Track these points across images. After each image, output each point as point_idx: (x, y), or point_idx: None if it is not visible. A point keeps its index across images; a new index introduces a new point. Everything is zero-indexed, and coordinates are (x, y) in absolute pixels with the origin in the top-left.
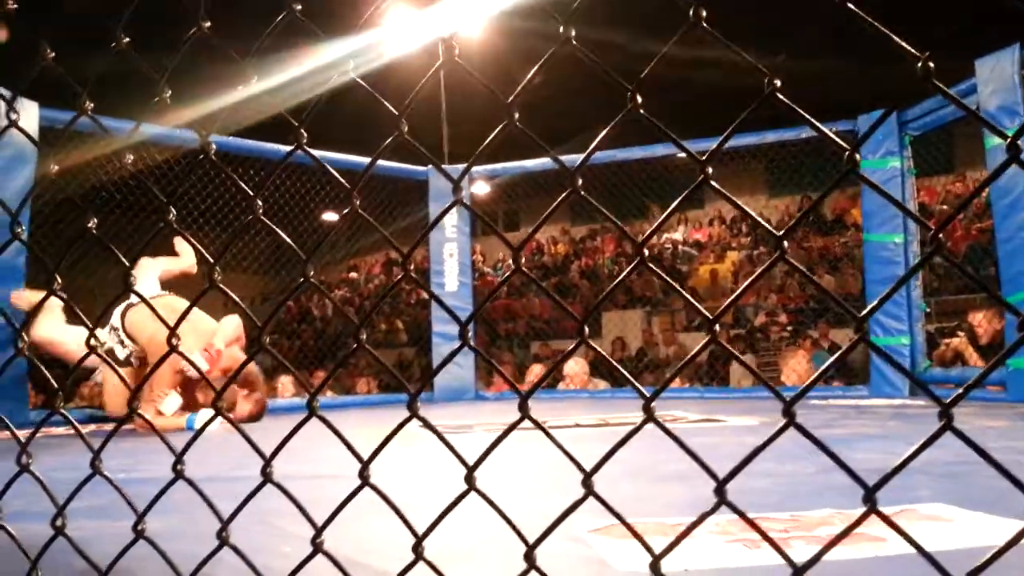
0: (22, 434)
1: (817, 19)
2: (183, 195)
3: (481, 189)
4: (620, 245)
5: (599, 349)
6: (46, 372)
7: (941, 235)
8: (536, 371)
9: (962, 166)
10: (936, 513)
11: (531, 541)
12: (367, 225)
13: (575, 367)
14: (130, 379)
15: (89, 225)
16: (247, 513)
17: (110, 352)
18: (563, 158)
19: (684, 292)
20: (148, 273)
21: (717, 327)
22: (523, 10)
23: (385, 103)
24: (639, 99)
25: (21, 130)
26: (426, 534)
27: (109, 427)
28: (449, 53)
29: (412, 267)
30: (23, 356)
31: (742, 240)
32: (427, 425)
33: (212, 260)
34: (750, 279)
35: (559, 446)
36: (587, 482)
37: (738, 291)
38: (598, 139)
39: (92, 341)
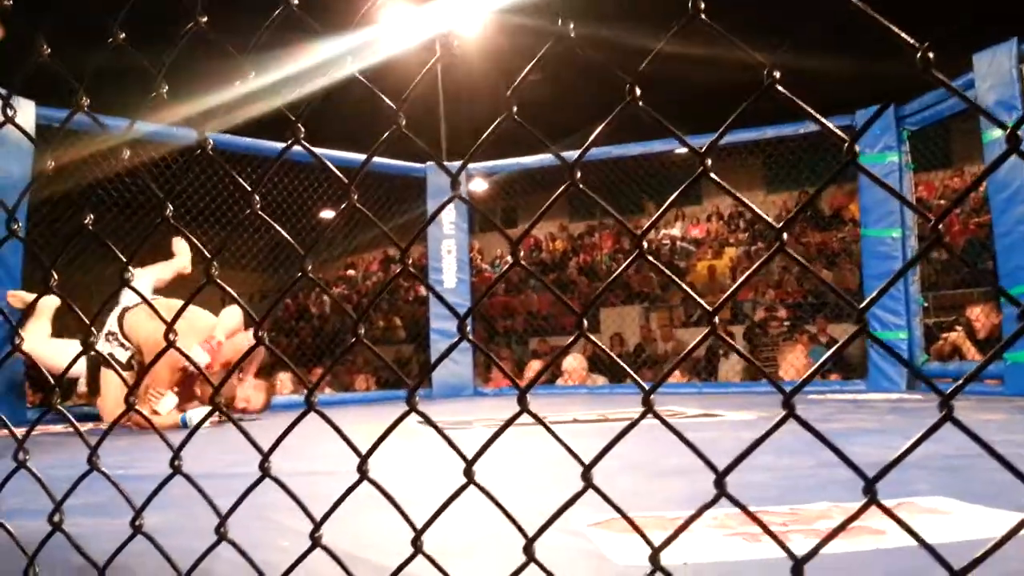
0: (19, 431)
1: (815, 15)
2: (180, 193)
3: (479, 186)
4: (618, 241)
5: (597, 342)
6: (44, 370)
7: (940, 226)
8: (535, 367)
9: (960, 161)
10: (935, 506)
11: (530, 535)
12: (365, 222)
13: (574, 363)
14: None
15: (85, 221)
16: (245, 508)
17: (111, 357)
18: (561, 153)
19: (683, 284)
20: (139, 283)
21: (716, 319)
22: (522, 7)
23: (383, 97)
24: (638, 91)
25: (17, 126)
26: (425, 528)
27: (105, 426)
28: (446, 47)
29: (410, 262)
30: (20, 353)
31: (740, 236)
32: (426, 419)
33: (209, 256)
34: (750, 269)
35: (558, 439)
36: (587, 475)
37: (739, 282)
38: (597, 131)
39: (90, 339)
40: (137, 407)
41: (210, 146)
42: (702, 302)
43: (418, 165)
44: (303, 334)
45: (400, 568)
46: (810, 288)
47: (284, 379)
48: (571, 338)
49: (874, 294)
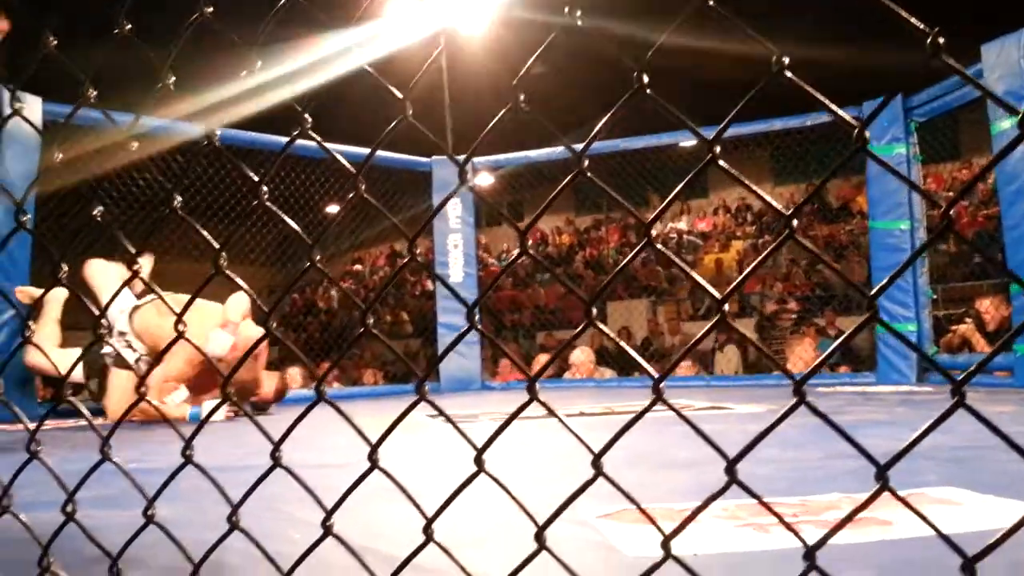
0: (31, 425)
1: (822, 4)
2: (188, 187)
3: (485, 180)
4: (625, 235)
5: (606, 330)
6: (52, 363)
7: (952, 212)
8: (542, 361)
9: (968, 152)
10: (946, 496)
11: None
12: (371, 216)
13: (581, 356)
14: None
15: (94, 212)
16: (256, 500)
17: (118, 357)
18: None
19: (691, 272)
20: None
21: (726, 307)
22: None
23: (389, 86)
24: (645, 79)
25: (25, 118)
26: (436, 515)
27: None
28: (450, 38)
29: (418, 252)
30: (31, 344)
31: (747, 229)
32: (435, 407)
33: (218, 248)
34: (762, 255)
35: (568, 427)
36: (596, 463)
37: (750, 267)
38: (605, 118)
39: (100, 331)
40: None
41: (217, 138)
42: (711, 289)
43: (423, 159)
44: (311, 329)
45: (412, 556)
46: (818, 281)
47: (293, 374)
48: (578, 332)
49: (884, 281)
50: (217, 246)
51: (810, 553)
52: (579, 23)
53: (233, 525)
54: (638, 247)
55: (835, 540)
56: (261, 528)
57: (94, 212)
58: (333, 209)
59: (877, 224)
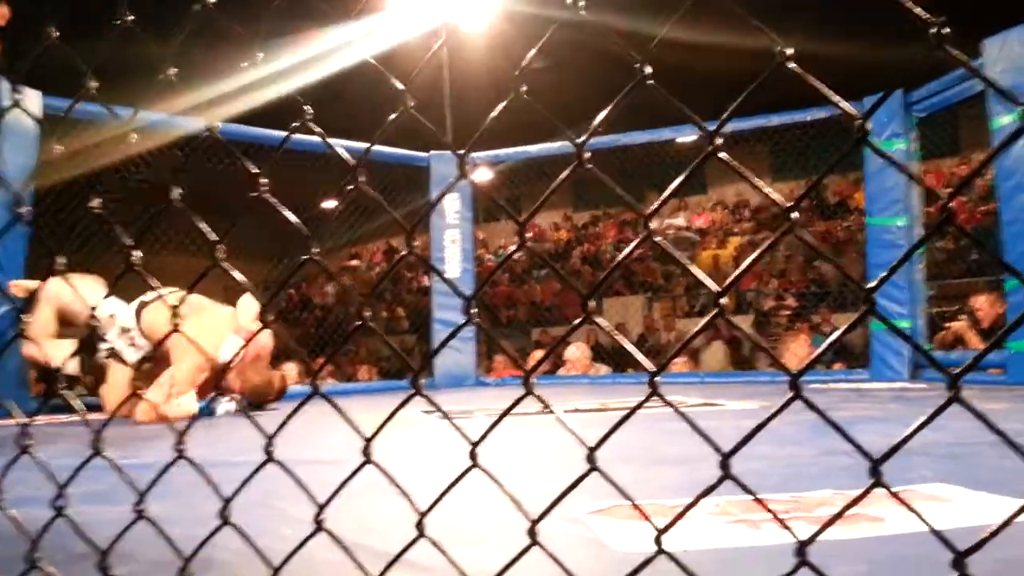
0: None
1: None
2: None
3: (483, 176)
4: (622, 231)
5: (603, 323)
6: (45, 356)
7: (952, 204)
8: (538, 357)
9: (967, 148)
10: (937, 493)
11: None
12: (368, 211)
13: (576, 352)
14: (142, 383)
15: (92, 204)
16: (248, 496)
17: (115, 354)
18: (564, 144)
19: (688, 265)
20: (113, 308)
21: (724, 300)
22: None
23: (391, 77)
24: (648, 70)
25: (25, 110)
26: (429, 510)
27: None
28: (451, 33)
29: (415, 245)
30: (24, 338)
31: (744, 226)
32: (430, 401)
33: (216, 240)
34: (760, 248)
35: (562, 422)
36: (591, 457)
37: (748, 260)
38: (607, 109)
39: (91, 320)
40: (149, 399)
41: (217, 131)
42: (709, 281)
43: (422, 155)
44: (307, 324)
45: (403, 551)
46: (814, 277)
47: (289, 369)
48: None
49: (884, 274)
50: (215, 238)
51: (801, 549)
52: (582, 13)
53: (224, 520)
54: (638, 239)
55: (827, 536)
56: (253, 524)
57: (92, 204)
58: (330, 205)
59: (874, 220)
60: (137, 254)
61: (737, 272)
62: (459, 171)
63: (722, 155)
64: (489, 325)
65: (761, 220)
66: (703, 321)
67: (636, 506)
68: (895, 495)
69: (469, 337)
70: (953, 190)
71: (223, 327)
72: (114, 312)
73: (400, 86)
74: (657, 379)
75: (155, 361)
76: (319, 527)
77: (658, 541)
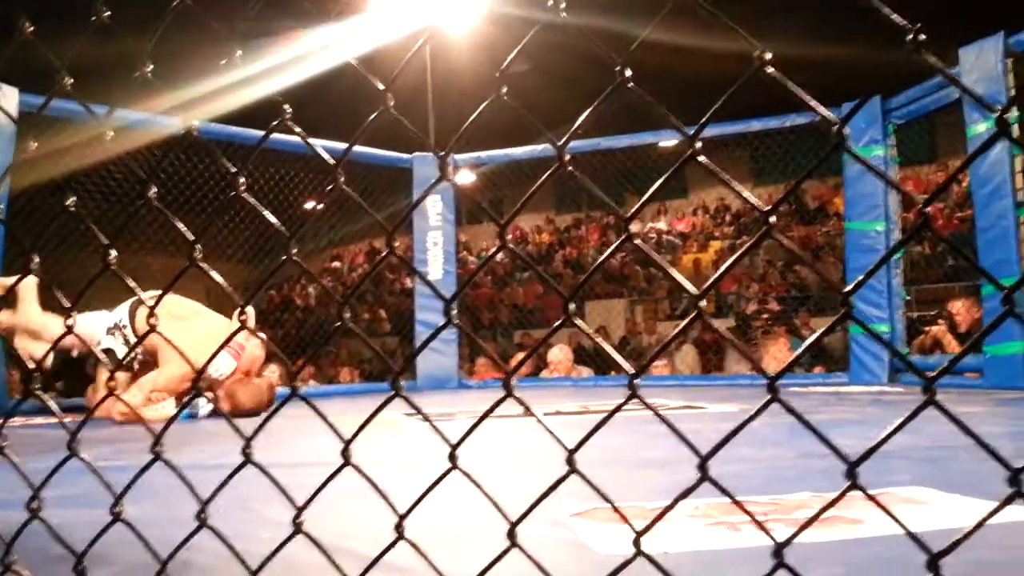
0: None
1: (803, 6)
2: (165, 182)
3: (465, 178)
4: (604, 234)
5: (583, 326)
6: (23, 354)
7: (928, 210)
8: (519, 358)
9: (944, 155)
10: (913, 496)
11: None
12: (350, 212)
13: (559, 355)
14: (128, 383)
15: (68, 203)
16: (226, 499)
17: (108, 352)
18: (547, 146)
19: (669, 269)
20: (97, 320)
21: (703, 303)
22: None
23: (371, 78)
24: (628, 72)
25: (0, 108)
26: (408, 513)
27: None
28: (434, 36)
29: (396, 246)
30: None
31: (725, 230)
32: (410, 404)
33: (193, 238)
34: (740, 251)
35: (543, 424)
36: (570, 459)
37: (727, 263)
38: (588, 111)
39: (70, 322)
40: (126, 401)
41: (195, 131)
42: (688, 285)
43: (404, 156)
44: (288, 326)
45: (383, 554)
46: (794, 281)
47: (271, 372)
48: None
49: (861, 277)
50: (192, 238)
51: (778, 551)
52: (563, 15)
53: (201, 523)
54: (618, 242)
55: (805, 538)
56: (231, 527)
57: (67, 203)
58: (311, 206)
59: (853, 225)
60: (113, 253)
61: (716, 276)
62: (440, 172)
63: (701, 158)
64: (471, 327)
65: (742, 224)
66: (683, 323)
67: (616, 508)
68: (871, 497)
69: (451, 339)
70: (930, 196)
71: (217, 336)
72: (93, 328)
73: (381, 86)
74: (637, 382)
75: (142, 363)
76: (297, 529)
77: (637, 543)
